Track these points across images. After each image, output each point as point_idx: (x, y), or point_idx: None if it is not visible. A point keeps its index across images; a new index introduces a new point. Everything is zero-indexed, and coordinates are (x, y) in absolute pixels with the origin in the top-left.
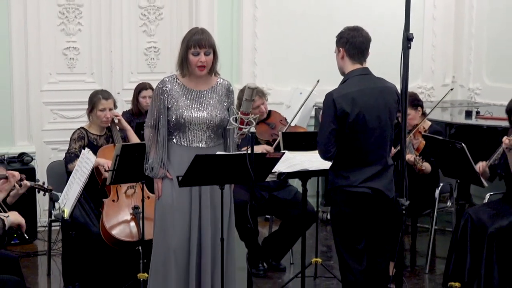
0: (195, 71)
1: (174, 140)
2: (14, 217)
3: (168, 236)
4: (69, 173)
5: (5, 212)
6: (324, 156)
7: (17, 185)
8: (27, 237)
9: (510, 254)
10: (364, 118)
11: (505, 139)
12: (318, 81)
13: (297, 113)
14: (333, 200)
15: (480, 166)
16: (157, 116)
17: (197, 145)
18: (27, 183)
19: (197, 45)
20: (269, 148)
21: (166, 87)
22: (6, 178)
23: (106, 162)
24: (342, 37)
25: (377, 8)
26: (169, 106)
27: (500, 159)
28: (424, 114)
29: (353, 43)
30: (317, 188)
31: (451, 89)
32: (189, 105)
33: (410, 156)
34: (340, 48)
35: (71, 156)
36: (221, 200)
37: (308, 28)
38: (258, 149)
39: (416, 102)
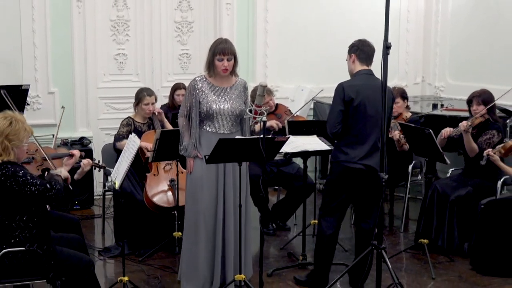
0: (220, 73)
1: (205, 128)
2: (64, 173)
3: (198, 203)
4: (117, 150)
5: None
6: (331, 131)
7: (80, 162)
8: (71, 188)
9: (466, 216)
10: (365, 105)
11: (463, 122)
12: (321, 90)
13: (302, 107)
14: (333, 171)
15: (448, 131)
16: (190, 107)
17: (222, 131)
18: (90, 161)
19: (221, 53)
20: (278, 122)
21: (197, 85)
22: (70, 155)
23: (148, 145)
24: (353, 45)
25: (362, 22)
26: (200, 100)
27: (459, 139)
28: (407, 107)
29: (363, 50)
30: (315, 164)
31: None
32: (216, 99)
33: (396, 134)
34: (352, 54)
35: (119, 137)
36: (239, 174)
37: (308, 38)
38: (270, 123)
39: (405, 95)
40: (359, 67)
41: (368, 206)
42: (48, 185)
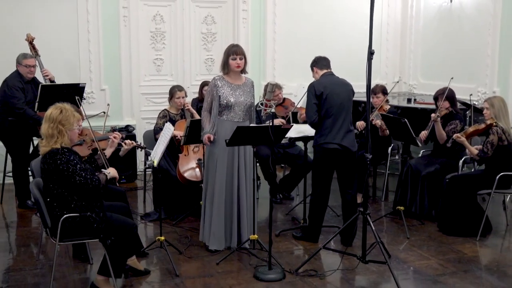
0: (234, 69)
1: (222, 117)
2: (113, 173)
3: (219, 177)
4: (156, 139)
5: (108, 167)
6: (310, 121)
7: (122, 143)
8: (117, 185)
9: (435, 188)
10: (332, 97)
11: (433, 115)
12: None
13: (301, 99)
14: (316, 153)
15: (423, 133)
16: (211, 101)
17: (236, 120)
18: (132, 142)
19: (234, 53)
20: (283, 120)
21: (217, 83)
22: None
23: (179, 133)
24: (312, 63)
25: (351, 33)
26: (220, 95)
27: (430, 130)
28: (387, 100)
29: (319, 62)
30: None
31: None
32: (233, 93)
33: (378, 122)
34: (314, 68)
35: (157, 129)
36: (253, 155)
37: (309, 45)
38: (277, 121)
39: (385, 91)
40: (321, 72)
41: (347, 179)
42: (89, 180)
